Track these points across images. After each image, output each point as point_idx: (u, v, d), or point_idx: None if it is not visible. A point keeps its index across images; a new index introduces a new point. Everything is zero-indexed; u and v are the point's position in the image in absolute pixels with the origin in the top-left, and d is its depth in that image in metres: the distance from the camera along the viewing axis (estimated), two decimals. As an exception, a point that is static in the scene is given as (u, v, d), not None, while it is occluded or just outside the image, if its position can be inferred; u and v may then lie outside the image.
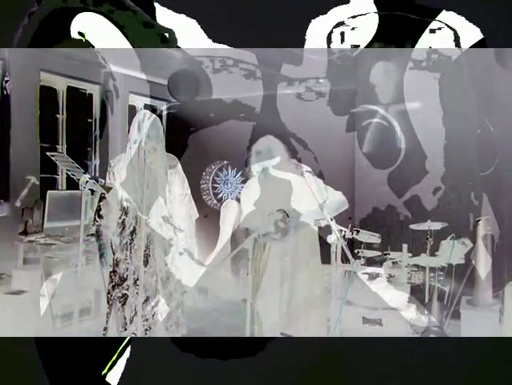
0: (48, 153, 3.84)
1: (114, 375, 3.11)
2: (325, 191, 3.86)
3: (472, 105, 5.43)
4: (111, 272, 3.71)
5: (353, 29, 4.41)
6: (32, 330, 4.52)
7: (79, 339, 3.76)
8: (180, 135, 7.23)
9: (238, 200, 4.12)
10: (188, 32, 4.09)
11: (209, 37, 3.79)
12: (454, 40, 4.55)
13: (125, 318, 3.63)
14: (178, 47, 4.67)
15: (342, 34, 4.50)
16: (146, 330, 3.62)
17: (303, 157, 5.78)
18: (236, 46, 3.84)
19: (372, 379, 3.03)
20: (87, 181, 3.70)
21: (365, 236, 4.86)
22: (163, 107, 7.94)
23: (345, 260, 4.26)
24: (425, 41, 4.94)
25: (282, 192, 3.88)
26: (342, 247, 3.73)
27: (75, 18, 3.96)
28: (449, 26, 4.38)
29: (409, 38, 4.98)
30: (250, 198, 3.97)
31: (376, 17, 3.99)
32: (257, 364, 3.05)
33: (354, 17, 4.04)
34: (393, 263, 5.03)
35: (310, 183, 3.72)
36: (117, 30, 4.31)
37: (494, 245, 4.83)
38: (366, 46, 5.08)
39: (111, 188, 3.68)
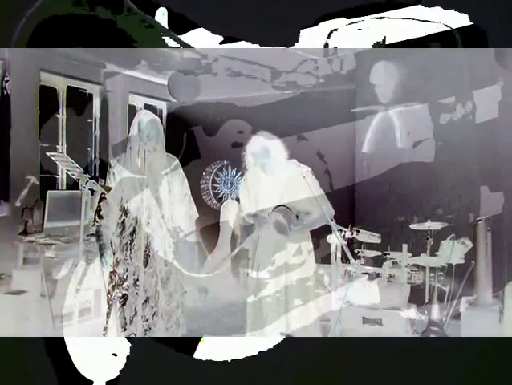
0: (48, 153, 3.83)
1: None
2: (323, 193, 3.85)
3: (472, 105, 5.43)
4: (111, 272, 3.70)
5: (359, 29, 4.42)
6: (32, 330, 4.52)
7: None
8: (180, 135, 7.23)
9: (238, 200, 4.10)
10: (190, 32, 4.10)
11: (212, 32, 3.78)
12: (454, 40, 4.56)
13: (125, 319, 3.63)
14: (181, 47, 4.68)
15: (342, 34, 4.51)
16: (146, 330, 3.62)
17: (305, 156, 5.80)
18: (240, 38, 3.82)
19: (372, 379, 3.02)
20: (87, 181, 3.69)
21: (365, 236, 4.85)
22: (163, 107, 7.96)
23: (345, 260, 4.26)
24: (425, 41, 4.95)
25: (279, 191, 3.86)
26: (342, 247, 3.73)
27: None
28: (448, 27, 4.38)
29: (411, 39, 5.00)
30: (248, 193, 3.95)
31: (377, 19, 4.00)
32: (257, 364, 3.05)
33: (356, 22, 4.04)
34: (393, 263, 5.02)
35: (310, 183, 3.71)
36: (118, 30, 4.32)
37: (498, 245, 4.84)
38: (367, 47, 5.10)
39: (111, 188, 3.68)
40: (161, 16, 4.48)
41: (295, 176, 3.77)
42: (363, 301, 4.71)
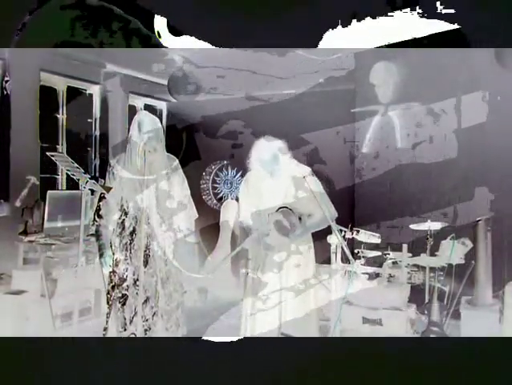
0: (48, 153, 3.82)
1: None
2: (325, 193, 3.85)
3: (472, 105, 5.43)
4: (110, 272, 3.70)
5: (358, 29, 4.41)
6: (32, 330, 4.52)
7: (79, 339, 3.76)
8: (180, 135, 7.23)
9: (238, 200, 4.09)
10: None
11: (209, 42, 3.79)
12: (453, 40, 4.56)
13: (125, 319, 3.63)
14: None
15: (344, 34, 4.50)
16: (146, 330, 3.62)
17: (305, 156, 5.81)
18: (237, 47, 3.83)
19: (372, 379, 3.02)
20: (87, 181, 3.69)
21: (365, 236, 4.84)
22: (163, 107, 7.96)
23: (345, 260, 4.26)
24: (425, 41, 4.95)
25: (282, 191, 3.85)
26: (342, 247, 3.72)
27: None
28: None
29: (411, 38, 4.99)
30: (249, 194, 3.93)
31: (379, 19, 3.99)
32: (257, 364, 3.05)
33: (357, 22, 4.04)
34: (393, 263, 5.02)
35: (310, 184, 3.69)
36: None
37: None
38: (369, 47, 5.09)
39: (111, 188, 3.67)
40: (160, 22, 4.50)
41: (296, 177, 3.76)
42: (363, 302, 4.71)
